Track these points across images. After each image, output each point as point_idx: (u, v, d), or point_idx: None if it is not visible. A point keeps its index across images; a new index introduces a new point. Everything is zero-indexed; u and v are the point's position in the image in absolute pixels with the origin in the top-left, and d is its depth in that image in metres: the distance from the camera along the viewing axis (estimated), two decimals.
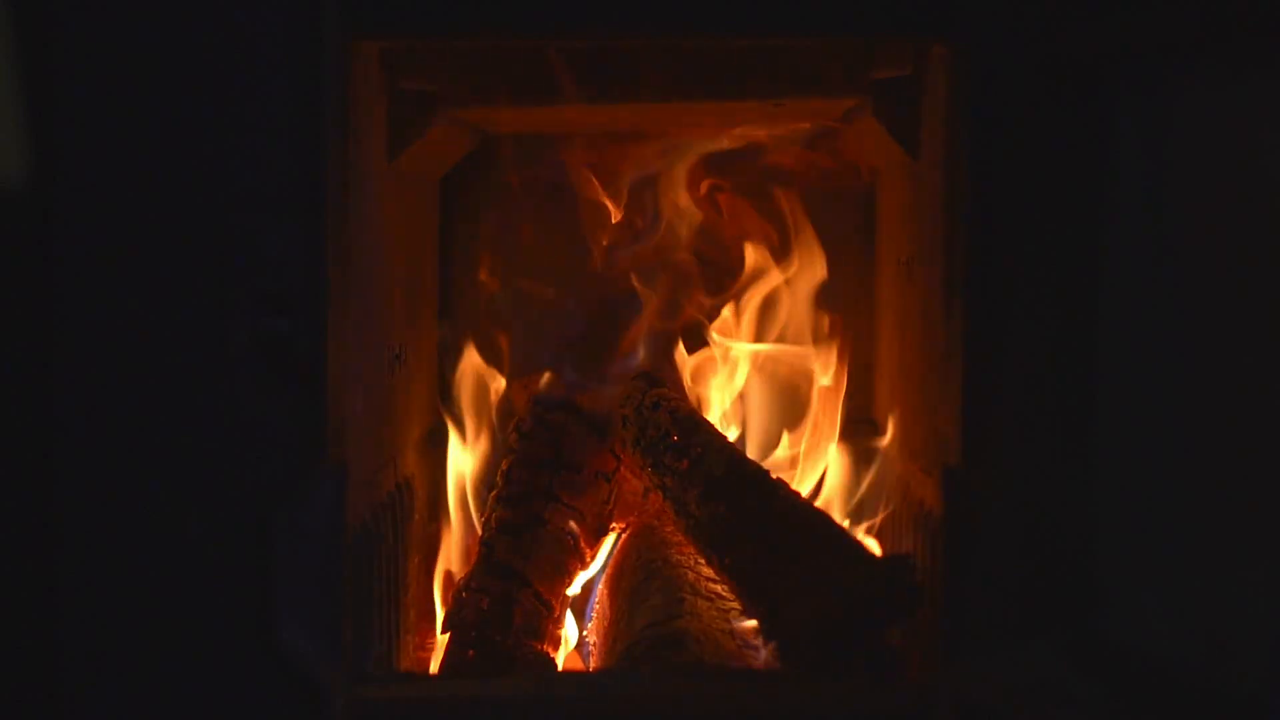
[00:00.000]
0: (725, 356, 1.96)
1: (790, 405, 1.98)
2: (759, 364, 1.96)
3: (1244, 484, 1.18)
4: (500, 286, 2.05)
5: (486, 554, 1.74)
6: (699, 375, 1.97)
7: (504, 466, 1.83)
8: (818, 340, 1.94)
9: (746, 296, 1.97)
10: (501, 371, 2.00)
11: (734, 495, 1.55)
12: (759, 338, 1.97)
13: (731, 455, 1.66)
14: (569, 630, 1.82)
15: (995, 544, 1.27)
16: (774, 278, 1.96)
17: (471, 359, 1.97)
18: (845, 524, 1.78)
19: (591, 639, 1.80)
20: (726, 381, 1.97)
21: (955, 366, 1.30)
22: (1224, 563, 1.20)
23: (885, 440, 1.78)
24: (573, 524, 1.78)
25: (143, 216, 1.26)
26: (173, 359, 1.26)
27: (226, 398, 1.26)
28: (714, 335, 1.96)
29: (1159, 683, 1.23)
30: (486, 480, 1.90)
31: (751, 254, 1.98)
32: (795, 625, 1.40)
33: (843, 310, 1.99)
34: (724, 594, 1.61)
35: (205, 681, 1.26)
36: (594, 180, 1.96)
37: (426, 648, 1.80)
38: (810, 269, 1.96)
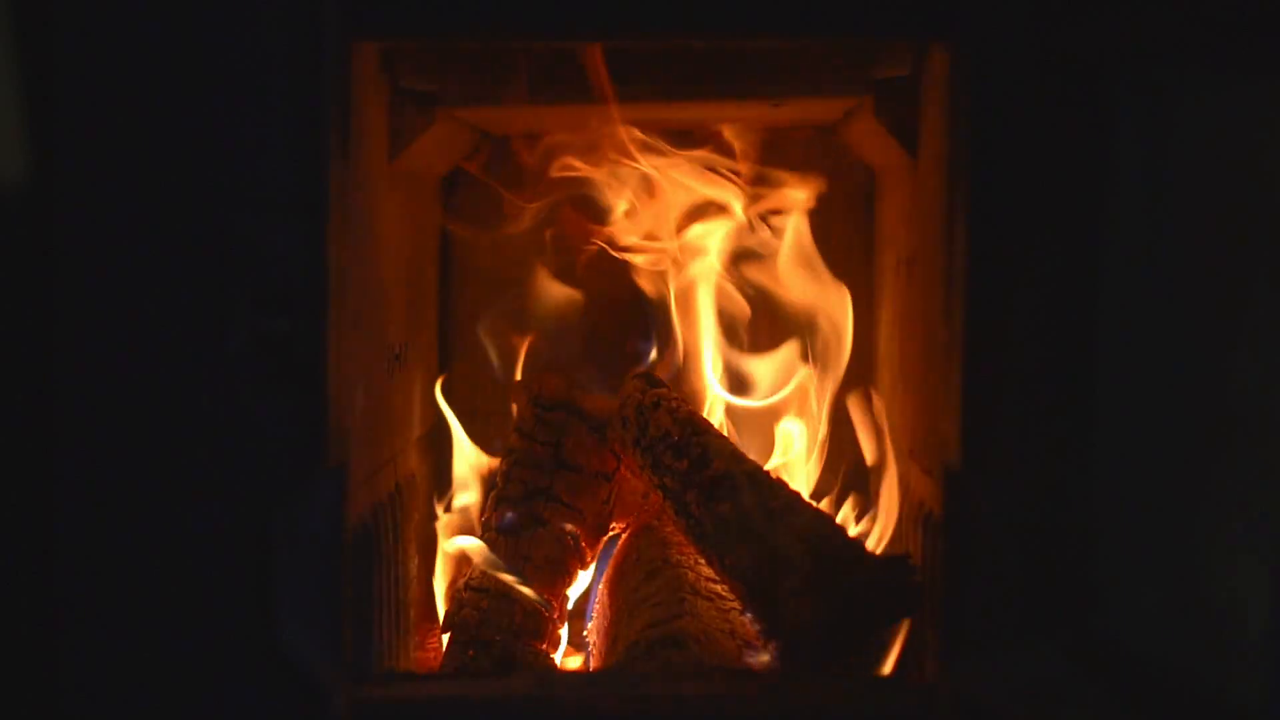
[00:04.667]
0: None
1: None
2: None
3: (1244, 484, 1.18)
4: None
5: None
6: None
7: (504, 466, 1.83)
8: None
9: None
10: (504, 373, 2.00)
11: (733, 495, 1.55)
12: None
13: (731, 455, 1.66)
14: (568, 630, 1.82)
15: (995, 544, 1.27)
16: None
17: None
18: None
19: (591, 639, 1.80)
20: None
21: (955, 366, 1.30)
22: (1224, 563, 1.20)
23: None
24: (572, 524, 1.78)
25: (142, 217, 1.26)
26: (172, 359, 1.26)
27: (226, 398, 1.26)
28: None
29: (1159, 683, 1.23)
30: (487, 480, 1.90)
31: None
32: (795, 625, 1.40)
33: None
34: (724, 594, 1.61)
35: (205, 682, 1.26)
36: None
37: (426, 648, 1.80)
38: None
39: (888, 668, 1.41)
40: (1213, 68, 1.21)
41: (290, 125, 1.25)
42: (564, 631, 1.78)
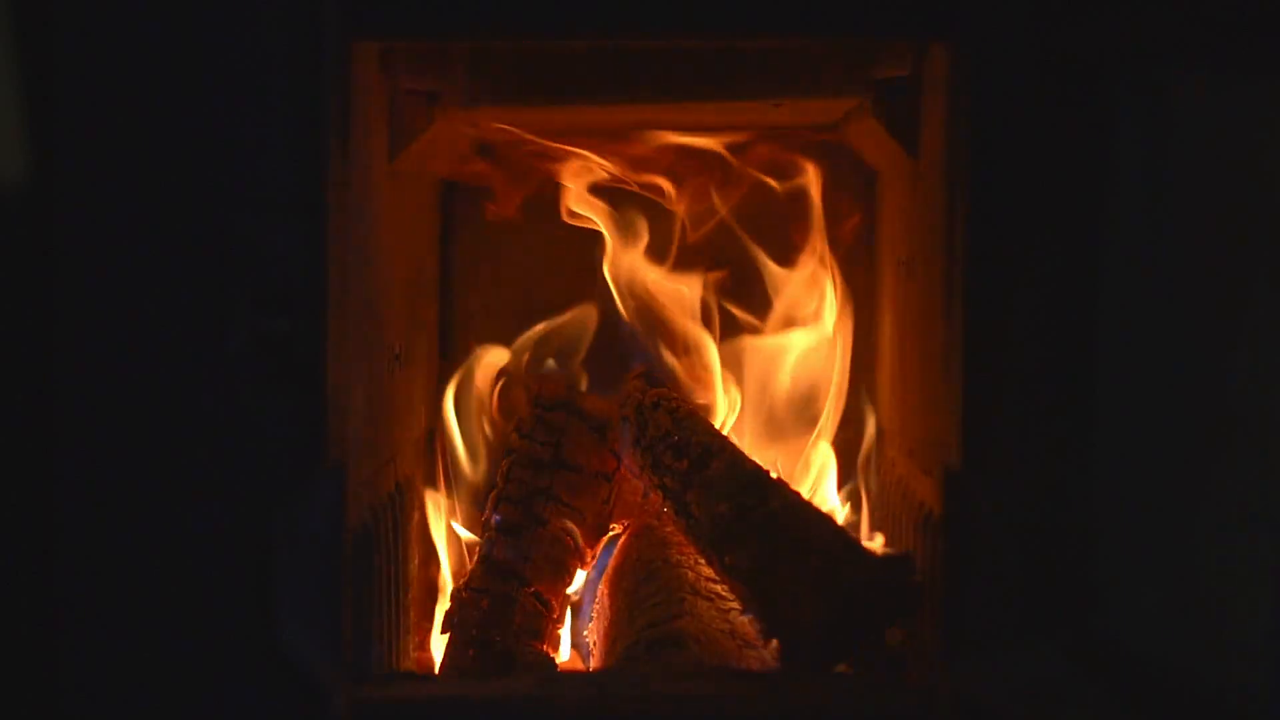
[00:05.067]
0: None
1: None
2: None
3: (1244, 484, 1.18)
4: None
5: (486, 554, 1.74)
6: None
7: (504, 466, 1.83)
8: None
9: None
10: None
11: (734, 495, 1.55)
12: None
13: (731, 454, 1.66)
14: (568, 630, 1.82)
15: (995, 544, 1.27)
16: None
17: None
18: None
19: (591, 639, 1.80)
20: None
21: (955, 366, 1.30)
22: (1224, 563, 1.20)
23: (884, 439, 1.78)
24: (573, 524, 1.78)
25: (142, 216, 1.26)
26: (172, 359, 1.26)
27: (226, 398, 1.26)
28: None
29: (1159, 683, 1.23)
30: (486, 480, 1.90)
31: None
32: (795, 625, 1.40)
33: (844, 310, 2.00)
34: (724, 594, 1.61)
35: (205, 682, 1.26)
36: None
37: (426, 648, 1.80)
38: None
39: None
40: (1213, 68, 1.21)
41: (290, 125, 1.25)
42: (565, 631, 1.78)
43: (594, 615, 1.82)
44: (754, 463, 1.65)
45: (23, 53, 1.29)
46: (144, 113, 1.25)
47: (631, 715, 1.33)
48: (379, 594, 1.51)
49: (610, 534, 1.87)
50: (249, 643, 1.26)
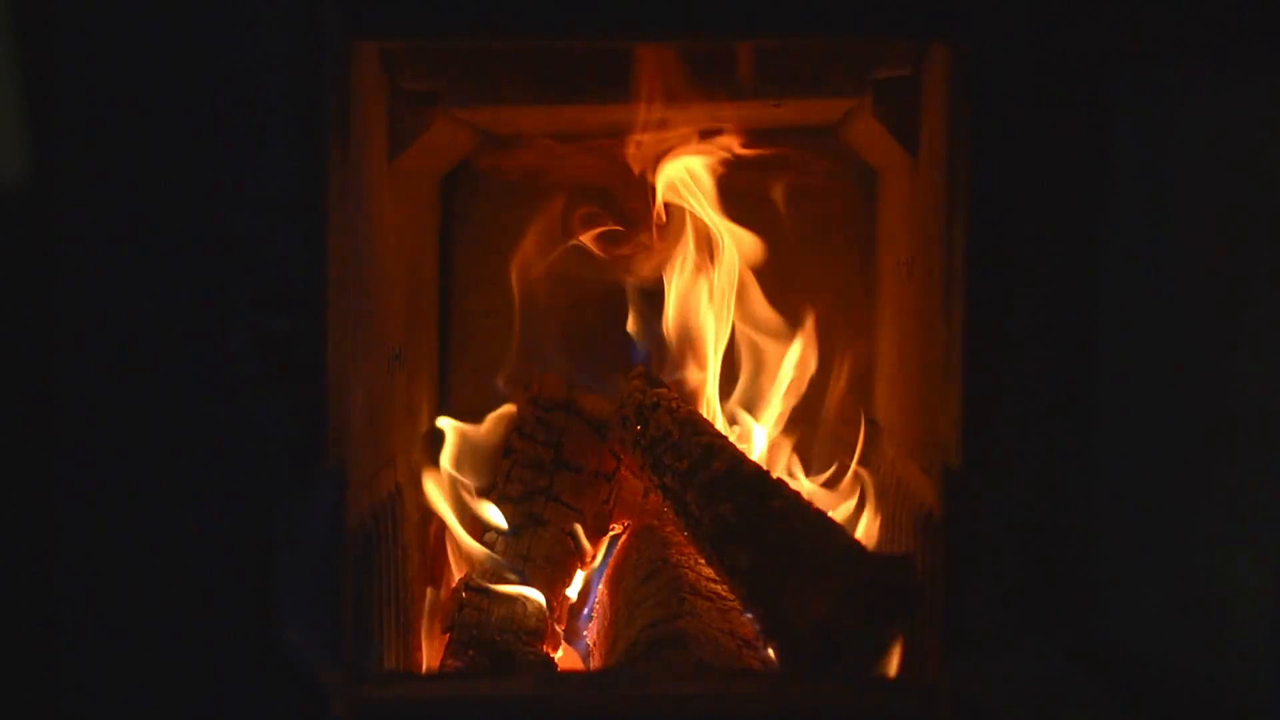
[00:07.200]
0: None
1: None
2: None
3: (1244, 484, 1.18)
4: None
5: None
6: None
7: (504, 467, 1.83)
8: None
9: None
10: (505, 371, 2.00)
11: (734, 495, 1.55)
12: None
13: (732, 455, 1.66)
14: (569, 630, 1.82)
15: (995, 544, 1.27)
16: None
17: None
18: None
19: (591, 639, 1.80)
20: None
21: (955, 366, 1.30)
22: (1224, 563, 1.20)
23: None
24: (573, 524, 1.79)
25: (142, 217, 1.26)
26: (173, 359, 1.26)
27: (226, 398, 1.26)
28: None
29: (1159, 683, 1.23)
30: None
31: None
32: (795, 625, 1.40)
33: (843, 310, 2.00)
34: (724, 594, 1.61)
35: (206, 681, 1.26)
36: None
37: (427, 648, 1.80)
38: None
39: (891, 669, 1.41)
40: (1213, 68, 1.21)
41: (290, 125, 1.25)
42: (563, 631, 1.78)
43: (594, 615, 1.82)
44: (754, 463, 1.65)
45: (23, 53, 1.29)
46: (144, 113, 1.25)
47: (631, 715, 1.33)
48: (379, 594, 1.51)
49: (610, 534, 1.87)
50: (249, 643, 1.26)
